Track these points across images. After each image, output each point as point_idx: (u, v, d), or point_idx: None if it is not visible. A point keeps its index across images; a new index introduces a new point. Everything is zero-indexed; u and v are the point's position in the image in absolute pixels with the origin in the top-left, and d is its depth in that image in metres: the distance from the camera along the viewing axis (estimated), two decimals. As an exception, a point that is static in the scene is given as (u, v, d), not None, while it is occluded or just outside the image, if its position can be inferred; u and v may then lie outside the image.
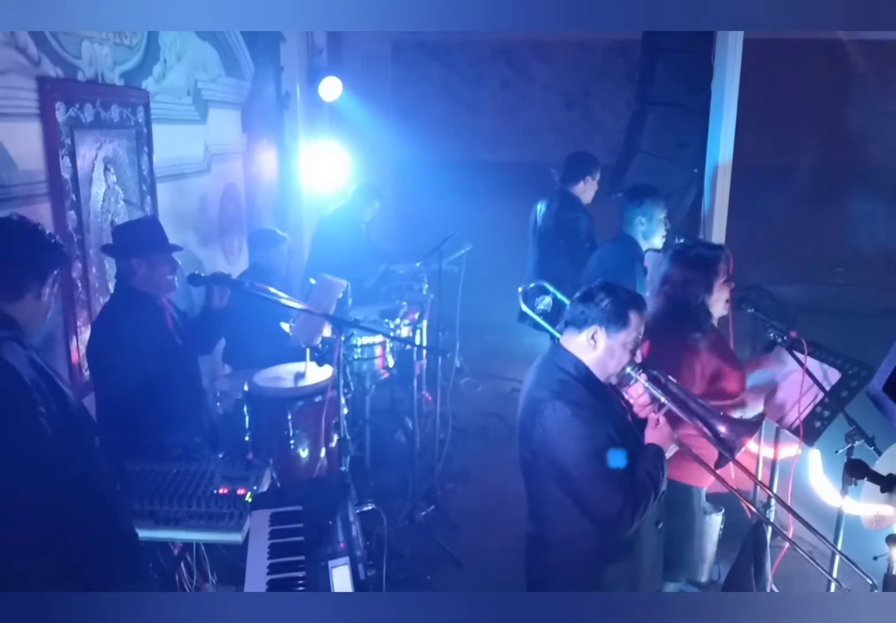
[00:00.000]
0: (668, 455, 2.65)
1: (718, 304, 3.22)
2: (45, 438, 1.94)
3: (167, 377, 3.19)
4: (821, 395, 3.26)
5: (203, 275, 3.47)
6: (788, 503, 3.18)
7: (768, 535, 3.33)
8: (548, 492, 2.58)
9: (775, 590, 3.52)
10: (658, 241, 4.40)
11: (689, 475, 3.11)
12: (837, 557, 2.97)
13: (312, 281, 4.65)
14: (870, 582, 2.28)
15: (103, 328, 3.31)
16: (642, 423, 2.68)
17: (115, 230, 3.50)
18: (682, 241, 3.79)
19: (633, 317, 2.53)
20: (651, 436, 2.62)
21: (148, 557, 2.60)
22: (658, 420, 2.62)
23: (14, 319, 2.11)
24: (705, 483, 3.26)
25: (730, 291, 3.26)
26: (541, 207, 5.44)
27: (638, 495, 2.46)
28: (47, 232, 2.24)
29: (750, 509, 3.03)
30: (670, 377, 2.67)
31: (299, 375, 4.24)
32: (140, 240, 3.34)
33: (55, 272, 2.20)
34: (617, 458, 2.44)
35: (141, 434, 3.07)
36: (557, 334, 2.73)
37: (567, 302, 2.86)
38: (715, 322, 3.29)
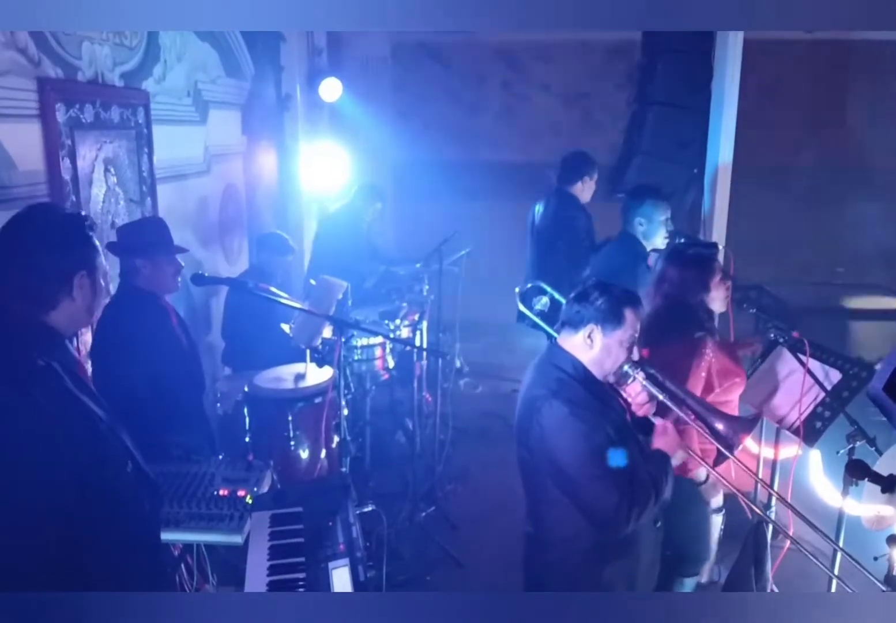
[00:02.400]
0: (674, 463, 2.65)
1: (716, 302, 3.23)
2: (69, 479, 1.81)
3: (171, 376, 3.19)
4: (822, 395, 3.26)
5: (207, 275, 3.48)
6: (788, 501, 3.18)
7: (769, 536, 3.33)
8: (545, 491, 2.59)
9: (775, 590, 3.51)
10: (660, 241, 4.39)
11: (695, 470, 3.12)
12: (838, 558, 2.97)
13: (313, 282, 4.65)
14: (873, 579, 2.27)
15: (108, 327, 3.31)
16: (640, 422, 2.68)
17: (121, 229, 3.51)
18: (681, 240, 3.80)
19: (629, 315, 2.53)
20: (658, 442, 2.63)
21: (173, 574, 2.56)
22: (666, 427, 2.62)
23: (54, 329, 1.94)
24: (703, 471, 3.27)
25: (727, 289, 3.27)
26: (539, 208, 5.44)
27: (636, 496, 2.46)
28: (60, 227, 1.99)
29: (750, 508, 3.03)
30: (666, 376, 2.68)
31: (299, 376, 4.24)
32: (147, 240, 3.35)
33: (82, 272, 1.96)
34: (614, 457, 2.44)
35: (143, 434, 3.07)
36: (555, 334, 2.73)
37: (564, 302, 2.87)
38: (716, 320, 3.30)
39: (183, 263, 3.44)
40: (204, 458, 3.16)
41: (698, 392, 3.07)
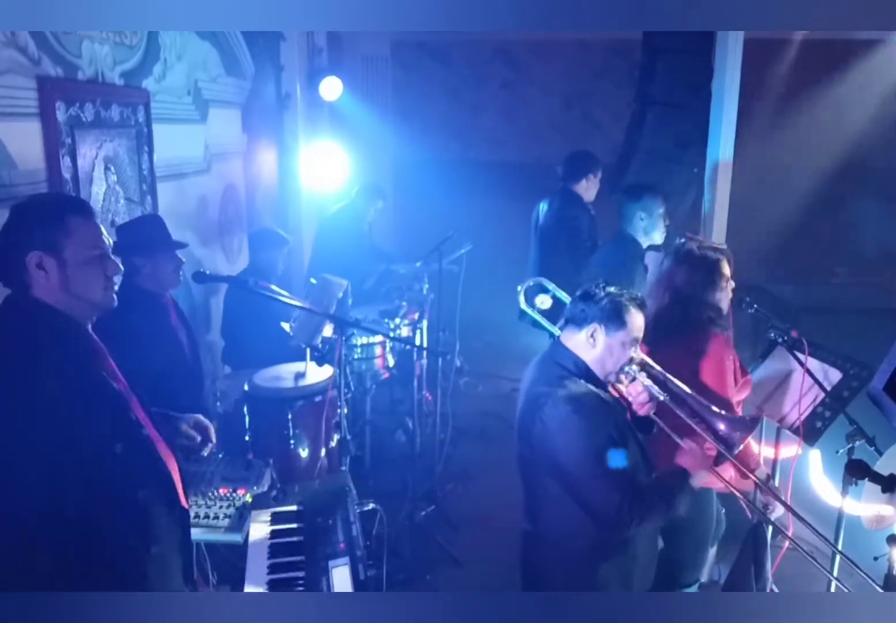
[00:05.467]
0: (696, 482, 2.62)
1: (722, 303, 3.24)
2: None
3: (168, 376, 3.18)
4: (822, 395, 3.26)
5: (208, 273, 3.48)
6: (788, 503, 3.18)
7: (768, 535, 3.33)
8: (545, 489, 2.59)
9: (775, 590, 3.51)
10: (658, 236, 4.41)
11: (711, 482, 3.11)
12: (838, 557, 2.97)
13: (313, 281, 4.65)
14: (871, 581, 2.28)
15: (106, 326, 3.30)
16: (641, 421, 2.69)
17: (118, 229, 3.51)
18: (683, 240, 3.80)
19: (633, 317, 2.54)
20: (682, 460, 2.61)
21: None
22: (693, 447, 2.61)
23: (52, 307, 1.98)
24: (718, 484, 3.27)
25: (732, 292, 3.28)
26: (543, 206, 5.45)
27: (641, 498, 2.46)
28: (23, 208, 2.03)
29: (750, 508, 3.03)
30: (668, 376, 2.68)
31: (299, 375, 4.24)
32: (144, 238, 3.35)
33: (37, 253, 1.95)
34: (616, 457, 2.44)
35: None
36: (557, 332, 2.74)
37: (566, 300, 2.87)
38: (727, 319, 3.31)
39: (183, 259, 3.44)
40: (203, 457, 3.16)
41: (730, 387, 3.07)
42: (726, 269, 3.22)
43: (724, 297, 3.23)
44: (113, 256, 2.09)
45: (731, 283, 3.27)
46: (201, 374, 3.69)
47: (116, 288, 2.11)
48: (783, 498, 3.19)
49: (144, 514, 2.01)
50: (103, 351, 2.13)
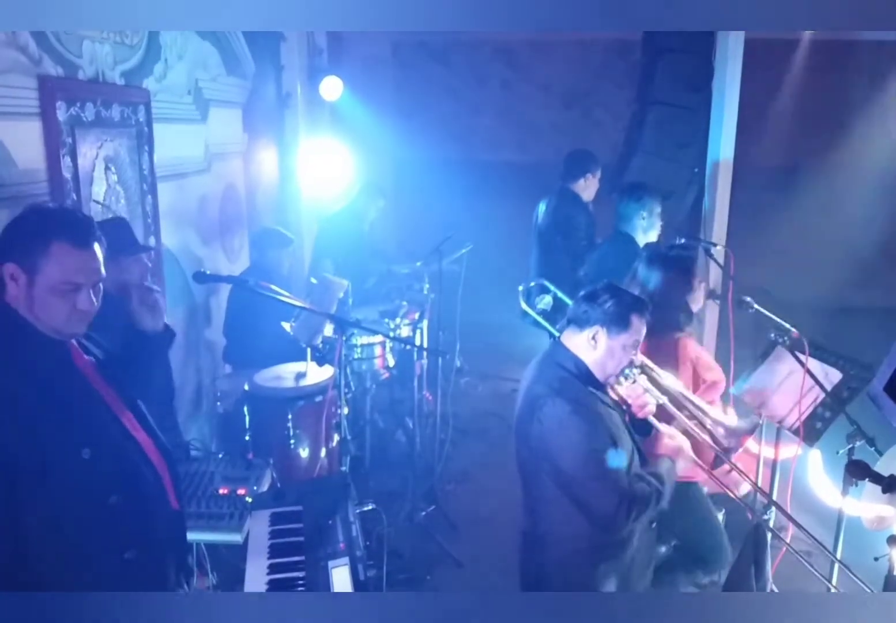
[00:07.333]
0: (678, 468, 2.66)
1: (698, 301, 3.27)
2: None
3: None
4: (822, 395, 3.26)
5: (208, 272, 3.46)
6: (788, 503, 3.18)
7: (768, 536, 3.33)
8: (543, 488, 2.60)
9: (775, 590, 3.51)
10: (654, 235, 4.45)
11: (693, 473, 3.13)
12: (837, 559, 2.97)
13: (314, 281, 4.65)
14: (865, 586, 2.28)
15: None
16: (639, 423, 2.69)
17: None
18: (681, 240, 3.80)
19: (635, 319, 2.54)
20: (665, 448, 2.63)
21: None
22: (673, 434, 2.63)
23: (28, 321, 1.97)
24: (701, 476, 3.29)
25: (704, 289, 3.31)
26: (543, 206, 5.46)
27: (636, 497, 2.46)
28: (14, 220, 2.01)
29: (751, 512, 3.03)
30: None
31: (300, 375, 4.25)
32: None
33: (9, 264, 1.95)
34: (614, 457, 2.45)
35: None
36: (557, 333, 2.74)
37: (568, 301, 2.87)
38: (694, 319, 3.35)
39: (149, 263, 3.37)
40: (203, 458, 3.16)
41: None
42: (698, 268, 3.25)
43: (695, 298, 3.25)
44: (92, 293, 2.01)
45: (704, 280, 3.31)
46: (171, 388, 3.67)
47: (89, 319, 2.05)
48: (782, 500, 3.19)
49: (118, 519, 2.01)
50: (80, 355, 2.11)
